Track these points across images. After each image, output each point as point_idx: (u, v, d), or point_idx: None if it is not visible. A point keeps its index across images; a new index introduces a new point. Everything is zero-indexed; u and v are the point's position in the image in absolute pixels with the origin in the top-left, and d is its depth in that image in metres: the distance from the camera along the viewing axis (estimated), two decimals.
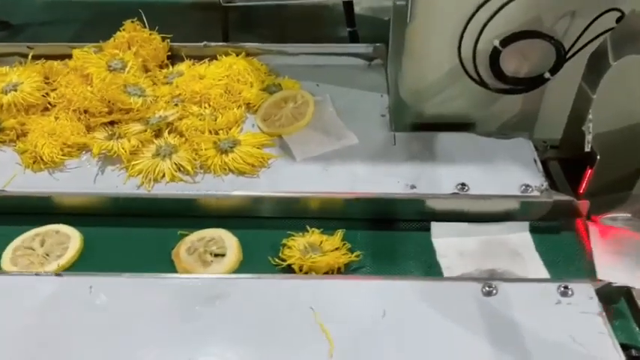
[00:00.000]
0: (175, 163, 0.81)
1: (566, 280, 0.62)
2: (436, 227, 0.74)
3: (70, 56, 0.97)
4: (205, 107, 0.90)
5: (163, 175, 0.79)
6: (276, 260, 0.70)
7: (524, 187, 0.75)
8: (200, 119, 0.88)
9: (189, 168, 0.80)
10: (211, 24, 1.20)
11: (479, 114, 0.92)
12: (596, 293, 0.61)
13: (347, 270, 0.69)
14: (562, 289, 0.61)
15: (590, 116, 0.80)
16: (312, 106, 0.87)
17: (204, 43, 1.02)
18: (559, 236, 0.74)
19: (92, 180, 0.79)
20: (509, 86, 0.88)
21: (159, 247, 0.73)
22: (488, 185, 0.75)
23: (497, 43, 0.83)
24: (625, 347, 0.54)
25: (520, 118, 0.92)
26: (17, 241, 0.73)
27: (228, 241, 0.73)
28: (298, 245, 0.70)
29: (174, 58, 1.03)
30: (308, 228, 0.74)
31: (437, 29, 0.84)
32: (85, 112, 0.87)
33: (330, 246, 0.70)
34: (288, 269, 0.69)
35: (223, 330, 0.58)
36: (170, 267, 0.70)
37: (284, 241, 0.72)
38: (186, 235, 0.74)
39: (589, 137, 0.79)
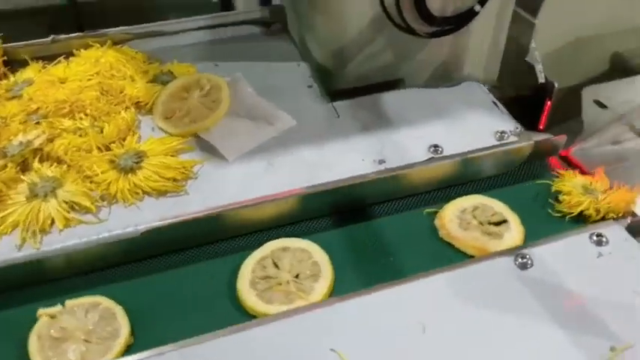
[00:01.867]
0: (65, 201, 0.58)
1: (592, 227, 0.54)
2: None
3: None
4: (81, 118, 0.67)
5: (52, 222, 0.57)
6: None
7: (499, 134, 0.66)
8: (80, 135, 0.65)
9: (86, 203, 0.58)
10: (54, 20, 0.94)
11: (408, 67, 0.81)
12: (628, 232, 0.54)
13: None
14: (595, 238, 0.53)
15: (533, 44, 0.73)
16: (225, 90, 0.69)
17: (52, 37, 0.78)
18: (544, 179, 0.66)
19: None
20: (438, 28, 0.78)
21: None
22: (461, 140, 0.64)
23: None
24: None
25: (449, 65, 0.83)
26: None
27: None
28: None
29: (12, 64, 0.77)
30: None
31: None
32: None
33: None
34: None
35: None
36: None
37: None
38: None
39: (539, 67, 0.72)
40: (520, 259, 0.51)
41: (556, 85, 0.71)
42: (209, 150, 0.65)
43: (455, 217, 0.59)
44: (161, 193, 0.60)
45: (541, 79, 0.72)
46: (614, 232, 0.53)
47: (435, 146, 0.64)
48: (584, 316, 0.47)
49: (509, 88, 0.76)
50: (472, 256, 0.55)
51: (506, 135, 0.65)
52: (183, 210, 0.58)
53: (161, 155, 0.63)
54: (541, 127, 0.72)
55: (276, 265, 0.55)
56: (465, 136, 0.65)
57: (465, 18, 0.77)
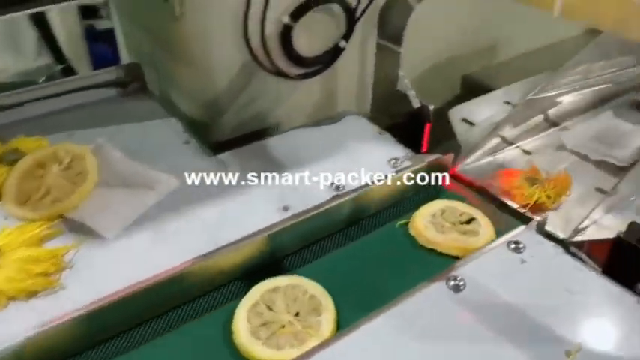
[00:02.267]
0: None
1: (504, 234, 0.54)
2: None
3: None
4: None
5: None
6: None
7: (393, 161, 0.64)
8: None
9: None
10: None
11: (284, 110, 0.79)
12: (539, 233, 0.55)
13: None
14: (513, 245, 0.53)
15: (401, 72, 0.75)
16: (90, 159, 0.60)
17: None
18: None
19: None
20: (307, 69, 0.77)
21: None
22: (359, 173, 0.62)
23: (286, 19, 0.70)
24: None
25: (323, 103, 0.82)
26: None
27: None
28: None
29: None
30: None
31: (216, 20, 0.67)
32: None
33: None
34: None
35: None
36: None
37: None
38: None
39: (412, 92, 0.73)
40: (452, 282, 0.49)
41: (431, 107, 0.72)
42: (82, 231, 0.55)
43: (429, 224, 0.59)
44: (30, 293, 0.49)
45: (416, 104, 0.73)
46: (528, 236, 0.54)
47: (336, 185, 0.61)
48: (530, 326, 0.45)
49: (385, 117, 0.76)
50: (457, 257, 0.55)
51: (399, 161, 0.64)
52: (61, 309, 0.47)
53: (22, 248, 0.52)
54: (424, 150, 0.73)
55: (270, 309, 0.49)
56: (361, 168, 0.63)
57: (332, 55, 0.77)
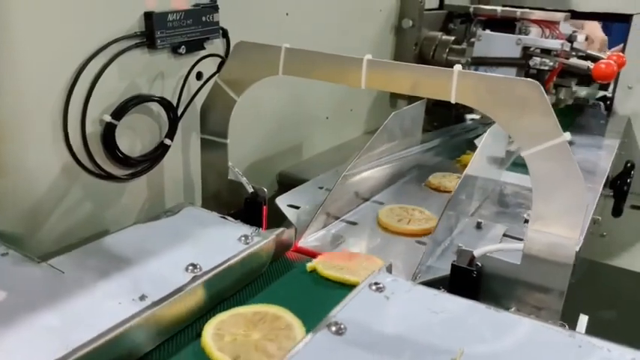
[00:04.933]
0: None
1: (369, 278, 0.58)
2: None
3: None
4: None
5: None
6: None
7: (243, 238, 0.65)
8: None
9: None
10: None
11: (112, 214, 0.75)
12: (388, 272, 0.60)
13: None
14: (374, 287, 0.57)
15: (230, 163, 0.78)
16: None
17: None
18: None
19: None
20: (134, 168, 0.75)
21: None
22: (212, 255, 0.61)
23: (109, 118, 0.70)
24: None
25: (154, 201, 0.80)
26: None
27: None
28: None
29: None
30: None
31: (30, 120, 0.63)
32: None
33: None
34: None
35: None
36: None
37: None
38: None
39: (244, 180, 0.77)
40: (334, 327, 0.50)
41: (266, 190, 0.76)
42: None
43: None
44: None
45: (250, 189, 0.76)
46: (383, 277, 0.58)
47: (192, 265, 0.58)
48: (413, 347, 0.48)
49: (218, 208, 0.77)
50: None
51: (249, 237, 0.65)
52: None
53: None
54: (264, 228, 0.75)
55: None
56: (214, 248, 0.62)
57: (158, 153, 0.77)
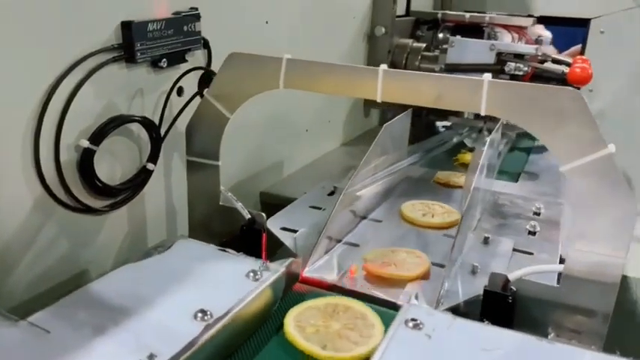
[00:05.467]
0: None
1: (399, 317, 0.52)
2: None
3: None
4: None
5: None
6: None
7: (251, 274, 0.58)
8: None
9: None
10: None
11: (92, 252, 0.65)
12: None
13: None
14: (411, 324, 0.51)
15: (222, 187, 0.70)
16: None
17: None
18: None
19: None
20: (114, 199, 0.66)
21: None
22: (221, 297, 0.53)
23: (86, 143, 0.61)
24: None
25: (137, 235, 0.72)
26: None
27: None
28: None
29: None
30: None
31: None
32: None
33: None
34: None
35: None
36: None
37: None
38: None
39: (239, 205, 0.69)
40: None
41: (264, 215, 0.69)
42: None
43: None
44: None
45: (247, 215, 0.68)
46: (417, 310, 0.52)
47: (202, 311, 0.51)
48: None
49: (209, 237, 0.69)
50: None
51: (257, 273, 0.58)
52: None
53: None
54: (264, 259, 0.68)
55: None
56: (222, 289, 0.55)
57: (141, 180, 0.69)
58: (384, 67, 0.57)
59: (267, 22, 0.90)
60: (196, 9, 0.72)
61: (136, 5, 0.64)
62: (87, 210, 0.63)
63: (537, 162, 1.22)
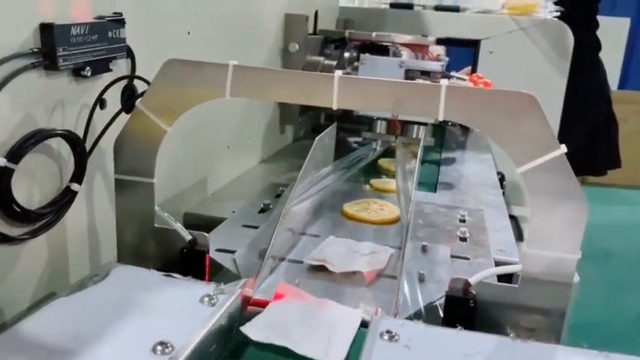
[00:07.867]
0: None
1: (373, 328, 0.50)
2: None
3: None
4: None
5: None
6: None
7: (207, 299, 0.52)
8: None
9: None
10: None
11: (6, 286, 0.56)
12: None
13: None
14: (386, 336, 0.49)
15: (157, 208, 0.64)
16: None
17: None
18: None
19: None
20: (32, 225, 0.58)
21: None
22: (179, 326, 0.47)
23: (3, 161, 0.53)
24: None
25: (56, 266, 0.63)
26: None
27: None
28: None
29: None
30: None
31: None
32: None
33: None
34: None
35: None
36: None
37: None
38: None
39: (178, 225, 0.64)
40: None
41: (207, 235, 0.63)
42: None
43: None
44: None
45: (187, 237, 0.63)
46: (388, 322, 0.51)
47: (161, 343, 0.45)
48: None
49: (141, 261, 0.63)
50: None
51: (214, 297, 0.53)
52: None
53: None
54: (207, 278, 0.63)
55: None
56: (177, 317, 0.49)
57: (64, 202, 0.61)
58: (339, 73, 0.55)
59: (189, 33, 0.85)
60: (121, 14, 0.65)
61: (54, 6, 0.57)
62: (3, 239, 0.54)
63: (449, 173, 1.27)
